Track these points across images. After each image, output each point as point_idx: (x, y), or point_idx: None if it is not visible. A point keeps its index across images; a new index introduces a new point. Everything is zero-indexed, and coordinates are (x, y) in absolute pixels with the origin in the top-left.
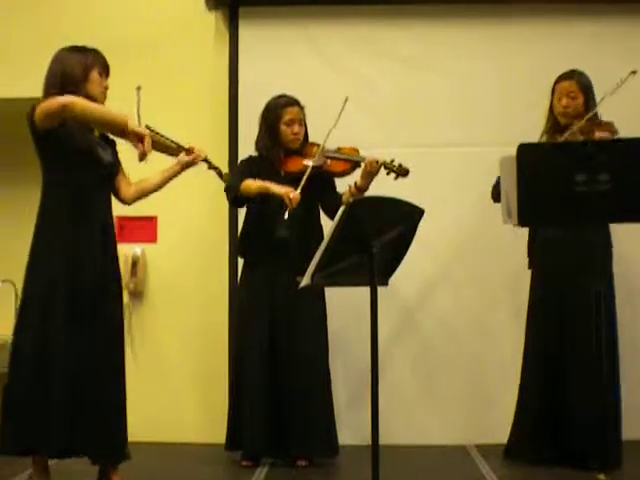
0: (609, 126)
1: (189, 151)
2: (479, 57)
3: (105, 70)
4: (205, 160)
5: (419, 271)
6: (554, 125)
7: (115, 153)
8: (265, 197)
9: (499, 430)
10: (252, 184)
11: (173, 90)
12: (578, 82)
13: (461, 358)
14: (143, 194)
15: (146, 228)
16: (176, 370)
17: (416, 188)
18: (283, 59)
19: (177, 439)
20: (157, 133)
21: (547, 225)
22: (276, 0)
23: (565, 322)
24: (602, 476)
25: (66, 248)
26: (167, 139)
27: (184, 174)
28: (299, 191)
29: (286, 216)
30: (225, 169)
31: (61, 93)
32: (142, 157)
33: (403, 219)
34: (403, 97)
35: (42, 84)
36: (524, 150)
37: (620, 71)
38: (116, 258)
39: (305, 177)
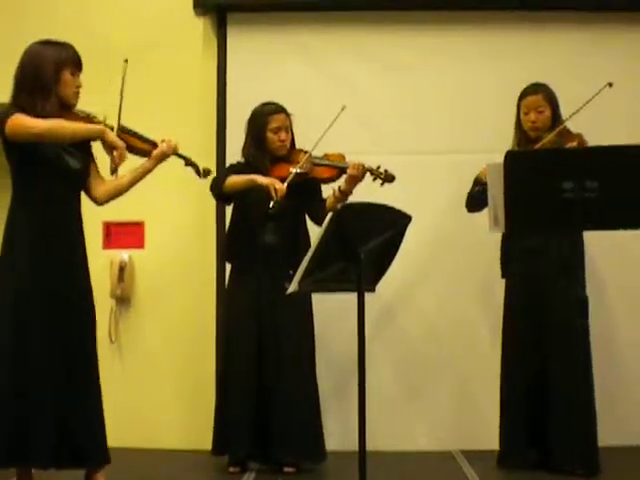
0: (578, 137)
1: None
2: (470, 64)
3: (78, 67)
4: (178, 155)
5: (402, 277)
6: (523, 138)
7: (86, 157)
8: (249, 195)
9: (485, 435)
10: (238, 178)
11: (161, 95)
12: (544, 95)
13: (446, 363)
14: (116, 193)
15: (133, 234)
16: (163, 375)
17: (405, 195)
18: (272, 65)
19: (164, 445)
20: (131, 132)
21: (534, 232)
22: (265, 6)
23: (543, 328)
24: None
25: (33, 253)
26: (141, 137)
27: (170, 181)
28: (285, 184)
29: (271, 205)
30: (213, 172)
31: (32, 96)
32: (113, 170)
33: (391, 225)
34: (393, 104)
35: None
36: (512, 157)
37: (615, 75)
38: (85, 264)
39: (286, 182)
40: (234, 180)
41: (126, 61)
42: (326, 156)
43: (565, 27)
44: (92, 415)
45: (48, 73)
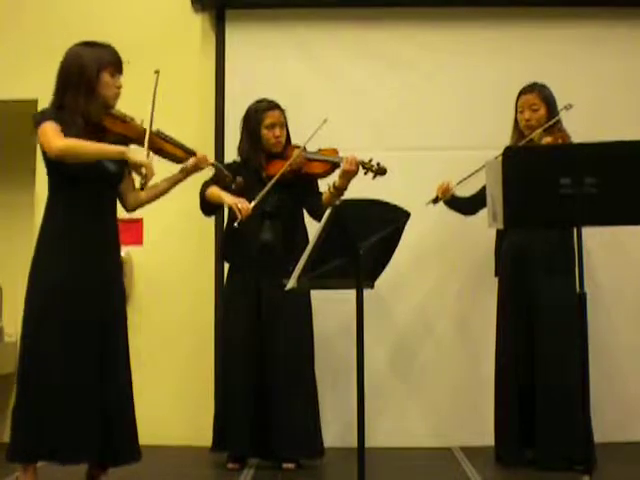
0: (562, 136)
1: (195, 157)
2: (469, 60)
3: (118, 69)
4: (213, 165)
5: (400, 273)
6: (520, 137)
7: (122, 162)
8: (245, 194)
9: (484, 432)
10: (212, 193)
11: (159, 91)
12: (539, 94)
13: (444, 360)
14: (147, 202)
15: (131, 230)
16: (162, 372)
17: (403, 191)
18: (270, 61)
19: (163, 441)
20: (166, 138)
21: (532, 228)
22: (263, 2)
23: (532, 326)
24: (586, 478)
25: (71, 253)
26: (176, 143)
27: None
28: (252, 204)
29: (235, 225)
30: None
31: (76, 96)
32: (142, 186)
33: (389, 222)
34: (391, 100)
35: (31, 86)
36: (510, 153)
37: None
38: (119, 264)
39: (274, 179)
40: (210, 194)
41: (157, 72)
42: (320, 151)
43: (565, 23)
44: (131, 414)
45: (91, 74)
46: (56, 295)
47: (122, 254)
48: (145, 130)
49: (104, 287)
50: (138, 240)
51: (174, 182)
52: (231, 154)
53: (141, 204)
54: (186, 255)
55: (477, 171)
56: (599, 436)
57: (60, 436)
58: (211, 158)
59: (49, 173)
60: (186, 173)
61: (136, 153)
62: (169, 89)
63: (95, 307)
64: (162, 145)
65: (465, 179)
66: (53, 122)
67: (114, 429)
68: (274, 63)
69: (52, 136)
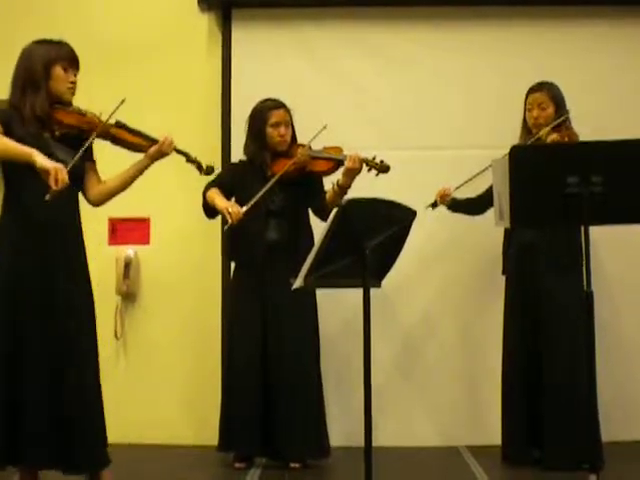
0: (569, 134)
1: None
2: (472, 59)
3: (72, 64)
4: (178, 151)
5: (405, 273)
6: (528, 135)
7: (81, 155)
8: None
9: (491, 431)
10: (208, 196)
11: (165, 91)
12: (548, 93)
13: (451, 359)
14: (112, 194)
15: (138, 230)
16: (168, 371)
17: (408, 190)
18: (276, 61)
19: (169, 441)
20: (127, 128)
21: (539, 227)
22: (269, 2)
23: (539, 325)
24: (594, 477)
25: (17, 253)
26: (137, 133)
27: (175, 177)
28: (244, 209)
29: (226, 228)
30: (217, 168)
31: (22, 92)
32: (51, 193)
33: (396, 220)
34: (396, 99)
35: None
36: (516, 152)
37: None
38: (78, 261)
39: (276, 177)
40: (207, 197)
41: (123, 101)
42: (324, 149)
43: (568, 22)
44: (87, 417)
45: (37, 69)
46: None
47: (130, 253)
48: (100, 122)
49: (55, 285)
50: (145, 239)
51: (140, 168)
52: (237, 153)
53: (104, 197)
54: (192, 255)
55: (477, 175)
56: (607, 435)
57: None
58: (176, 143)
59: (3, 172)
60: (150, 158)
61: (43, 158)
62: (175, 89)
63: (40, 305)
64: (121, 135)
65: (465, 183)
66: None
67: (71, 433)
68: (280, 62)
69: None
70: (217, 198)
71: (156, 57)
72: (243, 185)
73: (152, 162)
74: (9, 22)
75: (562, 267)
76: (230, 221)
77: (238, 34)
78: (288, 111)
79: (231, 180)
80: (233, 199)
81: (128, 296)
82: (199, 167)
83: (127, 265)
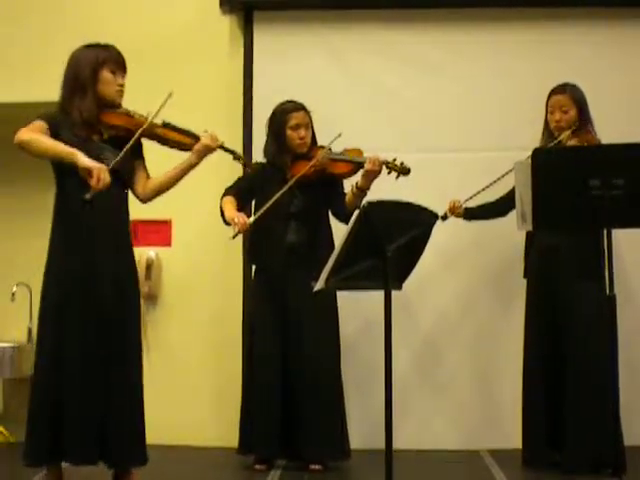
0: (587, 138)
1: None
2: (497, 62)
3: (119, 67)
4: (223, 148)
5: (424, 275)
6: (549, 138)
7: (128, 154)
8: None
9: (513, 435)
10: (222, 204)
11: (187, 94)
12: (570, 95)
13: (472, 361)
14: (160, 190)
15: (160, 231)
16: (190, 373)
17: (431, 193)
18: (298, 63)
19: (190, 442)
20: (173, 127)
21: (562, 230)
22: (291, 4)
23: (560, 328)
24: None
25: (81, 251)
26: (183, 132)
27: (197, 179)
28: (252, 219)
29: (230, 237)
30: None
31: (71, 96)
32: (91, 193)
33: (417, 223)
34: (419, 102)
35: (42, 88)
36: (539, 154)
37: (625, 76)
38: (132, 261)
39: (295, 178)
40: (222, 205)
41: (170, 95)
42: (344, 151)
43: (597, 23)
44: (132, 415)
45: (85, 73)
46: (69, 290)
47: (152, 255)
48: (146, 120)
49: (97, 287)
50: (167, 241)
51: (189, 165)
52: (259, 155)
53: (154, 193)
54: (214, 256)
55: (487, 187)
56: (629, 439)
57: (67, 438)
58: (220, 138)
59: (54, 171)
60: (196, 154)
61: (85, 158)
62: (197, 90)
63: (93, 304)
64: (167, 134)
65: (475, 195)
66: (41, 120)
67: (113, 430)
68: (302, 65)
69: (24, 130)
70: (227, 207)
71: (179, 60)
72: (263, 188)
73: (200, 159)
74: (16, 25)
75: (584, 270)
76: (235, 231)
77: (259, 36)
78: (308, 113)
79: (250, 184)
80: (254, 202)
81: (150, 298)
82: (245, 164)
83: (149, 267)
